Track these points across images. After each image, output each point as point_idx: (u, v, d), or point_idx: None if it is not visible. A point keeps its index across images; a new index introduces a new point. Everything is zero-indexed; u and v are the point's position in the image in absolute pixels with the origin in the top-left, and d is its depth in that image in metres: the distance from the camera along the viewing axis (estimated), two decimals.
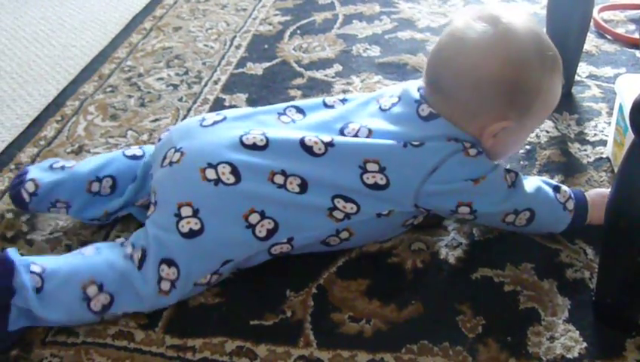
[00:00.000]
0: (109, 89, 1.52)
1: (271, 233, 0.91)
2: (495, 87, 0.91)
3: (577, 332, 0.89)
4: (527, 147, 1.23)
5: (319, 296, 0.95)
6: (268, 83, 1.51)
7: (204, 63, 1.61)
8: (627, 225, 0.82)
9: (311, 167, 0.92)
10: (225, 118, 0.99)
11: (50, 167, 1.07)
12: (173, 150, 0.94)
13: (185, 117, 1.39)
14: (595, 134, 1.26)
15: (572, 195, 1.01)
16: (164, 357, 0.88)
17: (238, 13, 1.89)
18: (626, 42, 1.59)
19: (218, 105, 1.43)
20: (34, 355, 0.89)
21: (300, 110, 1.01)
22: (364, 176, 0.91)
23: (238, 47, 1.69)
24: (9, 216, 1.13)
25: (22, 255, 1.02)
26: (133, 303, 0.91)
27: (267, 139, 0.93)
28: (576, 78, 1.42)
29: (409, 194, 0.93)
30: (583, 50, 1.40)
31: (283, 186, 0.91)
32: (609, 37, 1.63)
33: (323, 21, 1.80)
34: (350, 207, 0.92)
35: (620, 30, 1.65)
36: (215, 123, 0.98)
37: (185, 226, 0.89)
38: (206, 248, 0.90)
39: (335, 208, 0.92)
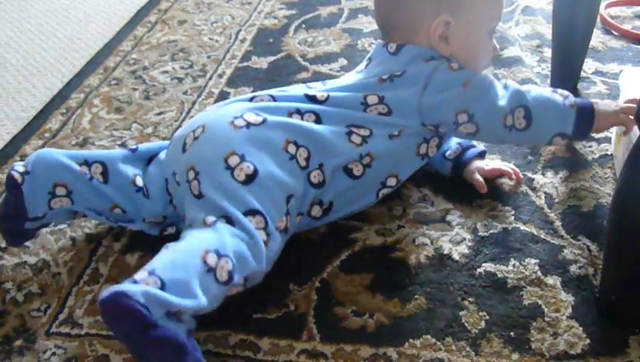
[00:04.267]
0: (113, 82, 1.52)
1: (307, 160, 0.96)
2: None
3: (581, 328, 0.88)
4: None
5: (322, 290, 0.96)
6: (273, 77, 1.51)
7: (209, 57, 1.61)
8: (631, 222, 0.82)
9: (320, 107, 1.00)
10: (225, 102, 1.04)
11: None
12: (191, 133, 0.96)
13: (189, 110, 1.40)
14: None
15: (571, 95, 1.03)
16: None
17: (243, 7, 1.89)
18: (633, 38, 1.59)
19: (223, 98, 1.42)
20: (38, 346, 0.89)
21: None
22: (368, 110, 1.01)
23: (243, 40, 1.69)
24: None
25: (27, 247, 1.04)
26: (250, 261, 0.84)
27: (273, 97, 1.02)
28: (582, 74, 1.42)
29: (412, 113, 1.01)
30: (589, 46, 1.39)
31: (301, 120, 0.98)
32: (615, 33, 1.62)
33: (328, 15, 1.80)
34: (364, 131, 1.00)
35: (627, 26, 1.64)
36: (217, 107, 1.03)
37: (240, 174, 0.90)
38: (267, 187, 0.91)
39: (352, 133, 0.99)
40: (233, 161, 0.91)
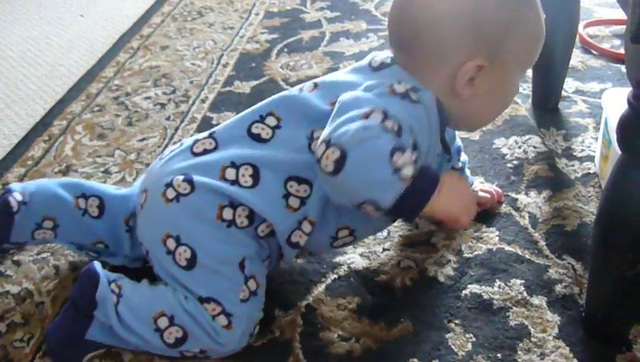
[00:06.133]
0: (96, 108, 1.52)
1: (249, 217, 0.88)
2: (453, 22, 0.85)
3: (568, 348, 0.88)
4: (515, 162, 1.23)
5: (308, 315, 0.95)
6: (255, 101, 1.47)
7: (191, 82, 1.61)
8: (615, 240, 0.82)
9: (260, 152, 0.89)
10: (181, 143, 0.96)
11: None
12: (141, 193, 0.93)
13: (173, 136, 1.39)
14: (582, 150, 1.27)
15: (420, 167, 0.81)
16: None
17: (225, 32, 1.89)
18: (612, 57, 1.60)
19: (206, 123, 1.43)
20: None
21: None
22: (313, 145, 0.86)
23: (225, 65, 1.69)
24: None
25: (10, 276, 1.03)
26: (209, 341, 0.86)
27: (215, 139, 0.92)
28: (563, 93, 1.43)
29: None
30: (569, 65, 1.40)
31: (236, 182, 0.87)
32: (594, 52, 1.64)
33: (310, 39, 1.81)
34: (304, 190, 0.87)
35: (606, 45, 1.66)
36: (172, 151, 0.95)
37: (181, 259, 0.86)
38: (211, 268, 0.86)
39: (289, 194, 0.87)
40: (170, 244, 0.87)
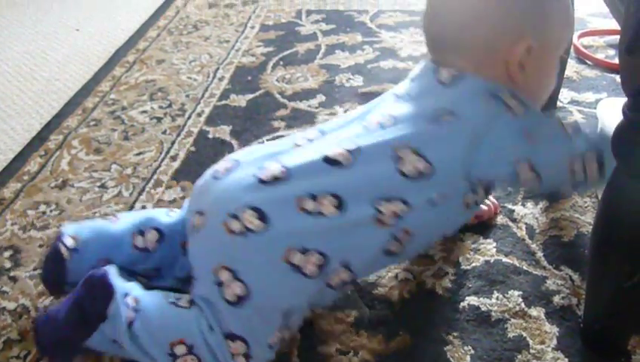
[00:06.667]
0: (92, 123, 1.52)
1: (322, 267, 0.82)
2: (496, 7, 0.86)
3: (566, 359, 0.88)
4: None
5: (306, 329, 0.95)
6: (252, 114, 1.51)
7: (187, 96, 1.61)
8: (612, 250, 0.82)
9: (340, 179, 0.83)
10: (238, 163, 0.88)
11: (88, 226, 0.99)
12: (196, 215, 0.87)
13: (169, 150, 1.39)
14: None
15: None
16: None
17: (220, 45, 1.90)
18: (606, 67, 1.61)
19: (202, 137, 1.43)
20: None
21: (319, 130, 0.93)
22: (400, 165, 0.82)
23: (221, 79, 1.69)
24: None
25: (6, 293, 1.02)
26: None
27: (286, 168, 0.84)
28: (558, 103, 1.43)
29: (456, 170, 0.83)
30: (564, 76, 1.41)
31: (317, 213, 0.81)
32: (589, 62, 1.65)
33: (306, 52, 1.81)
34: (395, 206, 0.82)
35: (600, 56, 1.66)
36: (228, 171, 0.87)
37: (230, 293, 0.81)
38: (260, 309, 0.82)
39: (380, 213, 0.82)
40: (224, 276, 0.81)
